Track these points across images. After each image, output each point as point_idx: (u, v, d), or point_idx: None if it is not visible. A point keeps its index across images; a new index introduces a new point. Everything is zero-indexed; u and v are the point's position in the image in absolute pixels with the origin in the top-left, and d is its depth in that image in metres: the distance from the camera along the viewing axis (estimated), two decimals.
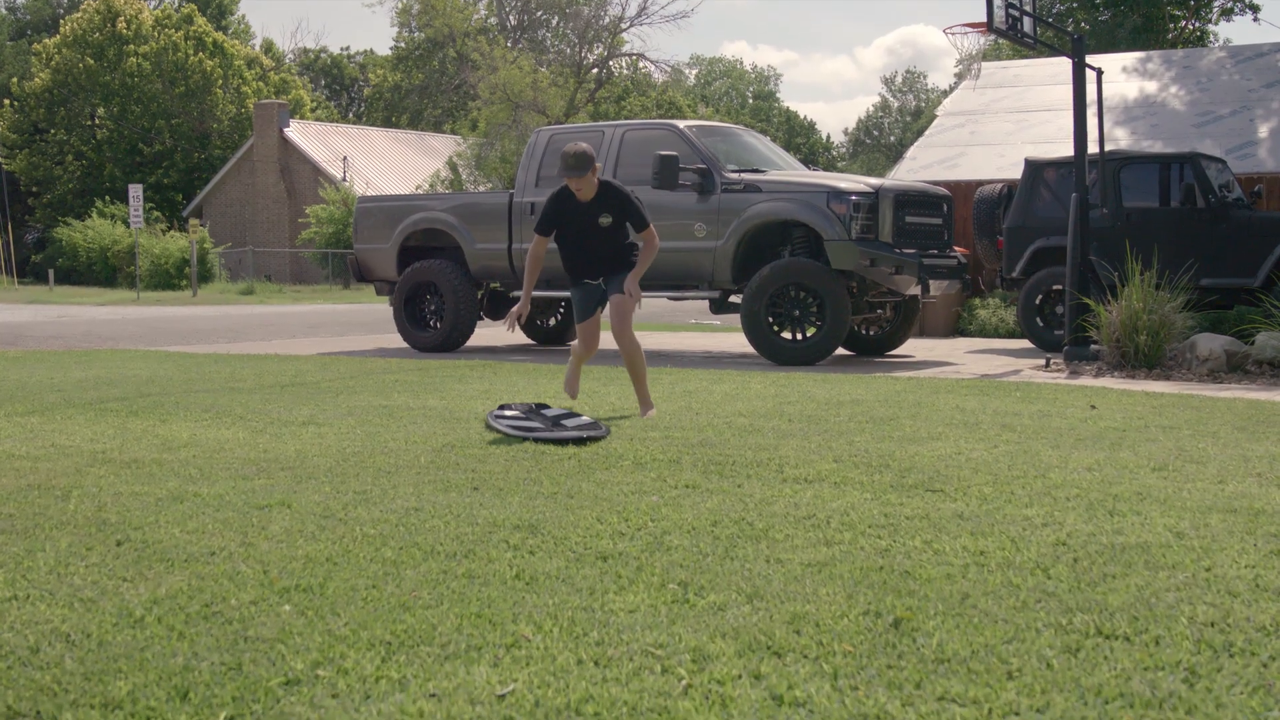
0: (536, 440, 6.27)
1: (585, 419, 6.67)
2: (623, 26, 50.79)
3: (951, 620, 3.27)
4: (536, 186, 13.44)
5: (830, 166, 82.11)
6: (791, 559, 3.94)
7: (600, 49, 51.84)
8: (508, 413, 7.01)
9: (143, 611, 3.38)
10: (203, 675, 2.86)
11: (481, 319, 14.44)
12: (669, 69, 58.12)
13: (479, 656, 3.00)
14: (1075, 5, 36.13)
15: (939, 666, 2.92)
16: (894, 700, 2.70)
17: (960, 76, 36.18)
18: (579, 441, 6.22)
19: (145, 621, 3.29)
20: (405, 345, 14.37)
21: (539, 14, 57.51)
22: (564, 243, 7.71)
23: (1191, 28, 36.58)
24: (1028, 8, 12.04)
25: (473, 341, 15.04)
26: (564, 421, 6.63)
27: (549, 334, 15.76)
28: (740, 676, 2.85)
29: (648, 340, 15.80)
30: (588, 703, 2.69)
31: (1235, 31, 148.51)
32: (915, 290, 12.17)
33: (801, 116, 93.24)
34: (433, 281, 13.89)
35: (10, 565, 3.89)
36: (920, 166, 20.27)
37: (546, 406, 7.23)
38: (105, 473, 5.55)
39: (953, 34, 12.96)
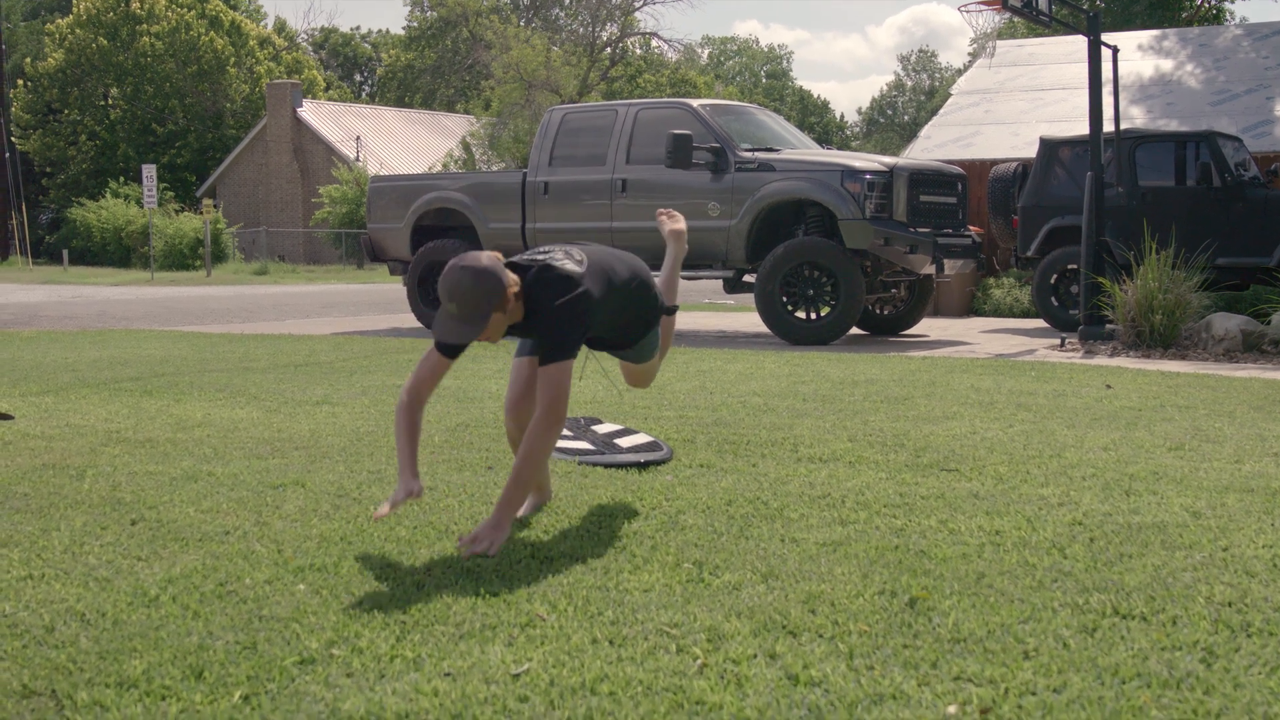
0: (585, 464, 5.26)
1: (643, 438, 5.69)
2: (635, 5, 50.67)
3: (967, 600, 3.25)
4: (550, 166, 13.44)
5: (844, 145, 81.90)
6: (806, 538, 3.93)
7: (613, 28, 51.73)
8: None
9: (157, 590, 3.38)
10: (217, 654, 2.86)
11: None
12: (681, 48, 57.96)
13: (494, 636, 2.99)
14: None
15: (955, 646, 2.91)
16: (910, 680, 2.69)
17: (975, 55, 36.04)
18: (635, 466, 5.22)
19: (160, 600, 3.29)
20: (419, 325, 14.37)
21: None
22: None
23: (1207, 5, 36.35)
24: None
25: None
26: (617, 441, 5.66)
27: None
28: (755, 656, 2.84)
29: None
30: (603, 682, 2.69)
31: (1251, 10, 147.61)
32: (930, 269, 12.14)
33: (815, 95, 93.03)
34: (446, 261, 13.85)
35: (25, 544, 3.89)
36: (935, 145, 20.20)
37: (598, 421, 6.06)
38: (120, 452, 5.56)
39: (967, 12, 12.88)
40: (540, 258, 3.95)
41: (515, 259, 3.96)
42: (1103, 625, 3.05)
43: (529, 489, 3.84)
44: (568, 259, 3.96)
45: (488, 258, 3.79)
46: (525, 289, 3.87)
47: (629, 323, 4.31)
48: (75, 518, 4.25)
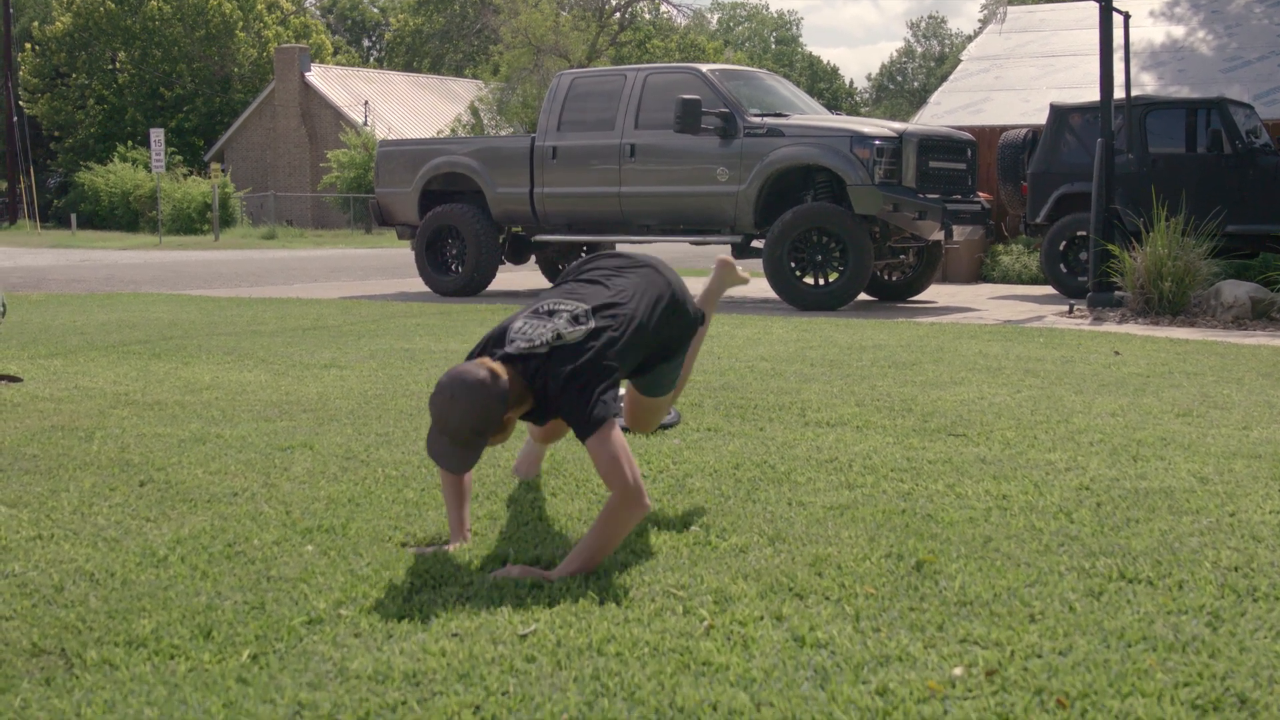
0: None
1: None
2: None
3: (974, 563, 3.26)
4: (558, 130, 13.40)
5: (854, 111, 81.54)
6: (813, 502, 3.93)
7: None
8: None
9: (166, 551, 3.39)
10: (226, 614, 2.88)
11: (503, 263, 14.44)
12: (690, 13, 57.72)
13: (501, 596, 3.00)
14: None
15: (961, 609, 2.91)
16: (916, 642, 2.70)
17: (985, 20, 35.84)
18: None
19: (169, 561, 3.31)
20: (427, 289, 14.36)
21: None
22: None
23: None
24: None
25: (494, 285, 15.01)
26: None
27: None
28: (762, 618, 2.85)
29: None
30: (609, 642, 2.69)
31: None
32: (938, 235, 12.11)
33: (824, 61, 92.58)
34: (454, 225, 13.88)
35: (35, 505, 3.91)
36: (944, 111, 20.10)
37: None
38: (128, 414, 5.57)
39: None
40: (543, 339, 3.28)
41: (514, 346, 3.29)
42: (1109, 589, 3.05)
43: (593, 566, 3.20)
44: (574, 324, 3.33)
45: (482, 377, 3.18)
46: (528, 380, 3.26)
47: (662, 343, 3.72)
48: (84, 479, 4.27)
